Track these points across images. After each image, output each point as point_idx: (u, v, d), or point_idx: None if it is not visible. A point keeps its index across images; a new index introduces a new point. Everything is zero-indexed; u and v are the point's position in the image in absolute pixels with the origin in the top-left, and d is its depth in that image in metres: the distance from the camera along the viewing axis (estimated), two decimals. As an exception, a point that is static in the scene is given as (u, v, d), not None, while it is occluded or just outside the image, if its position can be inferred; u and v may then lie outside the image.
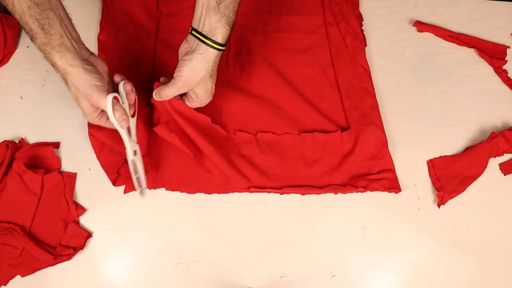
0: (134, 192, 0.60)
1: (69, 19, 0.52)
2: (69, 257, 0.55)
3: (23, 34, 0.70)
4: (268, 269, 0.57)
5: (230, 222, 0.59)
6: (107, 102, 0.51)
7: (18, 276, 0.54)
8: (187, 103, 0.59)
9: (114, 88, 0.56)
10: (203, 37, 0.53)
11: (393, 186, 0.62)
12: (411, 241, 0.60)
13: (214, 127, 0.63)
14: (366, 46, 0.74)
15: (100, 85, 0.52)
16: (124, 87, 0.55)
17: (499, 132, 0.67)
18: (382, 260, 0.59)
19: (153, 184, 0.60)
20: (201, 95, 0.58)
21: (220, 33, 0.52)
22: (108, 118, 0.54)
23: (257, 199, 0.61)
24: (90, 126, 0.62)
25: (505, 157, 0.67)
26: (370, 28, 0.76)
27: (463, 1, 0.81)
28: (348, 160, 0.64)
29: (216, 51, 0.53)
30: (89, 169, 0.61)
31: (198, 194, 0.60)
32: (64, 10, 0.51)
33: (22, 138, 0.62)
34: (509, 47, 0.76)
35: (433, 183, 0.64)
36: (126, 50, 0.69)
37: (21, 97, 0.66)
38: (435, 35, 0.77)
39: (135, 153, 0.56)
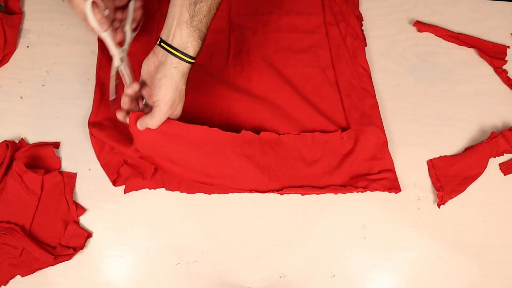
0: (134, 192, 0.60)
1: None
2: (69, 257, 0.55)
3: (23, 34, 0.70)
4: (268, 269, 0.57)
5: (230, 222, 0.59)
6: (87, 6, 0.53)
7: (18, 276, 0.54)
8: (150, 118, 0.53)
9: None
10: (174, 50, 0.50)
11: (393, 186, 0.62)
12: (411, 241, 0.60)
13: (213, 132, 0.60)
14: (366, 46, 0.74)
15: None
16: (135, 3, 0.59)
17: (499, 132, 0.67)
18: (382, 260, 0.59)
19: (153, 184, 0.60)
20: (179, 109, 0.55)
21: (192, 47, 0.50)
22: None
23: (257, 199, 0.61)
24: (91, 126, 0.62)
25: (505, 157, 0.67)
26: (370, 28, 0.76)
27: (463, 1, 0.81)
28: (348, 160, 0.64)
29: (188, 65, 0.51)
30: (89, 169, 0.61)
31: (198, 194, 0.60)
32: None
33: (22, 138, 0.62)
34: (509, 47, 0.76)
35: (433, 183, 0.64)
36: (126, 50, 0.69)
37: (21, 97, 0.66)
38: (435, 35, 0.77)
39: (121, 60, 0.57)
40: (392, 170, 0.64)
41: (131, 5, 0.60)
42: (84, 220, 0.58)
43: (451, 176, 0.64)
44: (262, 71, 0.70)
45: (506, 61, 0.74)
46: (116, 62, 0.57)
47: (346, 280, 0.57)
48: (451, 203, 0.62)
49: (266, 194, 0.61)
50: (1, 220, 0.56)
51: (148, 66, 0.55)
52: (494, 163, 0.66)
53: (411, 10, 0.79)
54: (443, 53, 0.75)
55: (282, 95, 0.68)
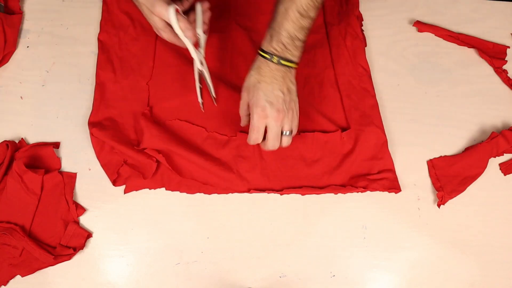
0: (134, 192, 0.60)
1: None
2: (69, 257, 0.55)
3: (23, 34, 0.70)
4: (268, 269, 0.57)
5: (230, 222, 0.59)
6: (170, 13, 0.53)
7: (18, 276, 0.54)
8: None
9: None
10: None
11: (393, 186, 0.62)
12: (411, 241, 0.60)
13: (210, 136, 0.63)
14: (366, 46, 0.74)
15: None
16: (203, 5, 0.60)
17: (499, 132, 0.67)
18: (382, 260, 0.59)
19: (153, 184, 0.60)
20: None
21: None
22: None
23: (257, 199, 0.61)
24: (91, 126, 0.62)
25: (505, 157, 0.67)
26: (370, 28, 0.76)
27: (463, 1, 0.81)
28: (348, 160, 0.64)
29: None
30: (89, 169, 0.61)
31: (198, 194, 0.60)
32: None
33: (22, 138, 0.62)
34: (509, 47, 0.76)
35: (433, 183, 0.64)
36: (126, 50, 0.69)
37: (21, 97, 0.66)
38: (435, 35, 0.77)
39: (201, 63, 0.58)
40: (392, 170, 0.64)
41: (199, 8, 0.60)
42: (84, 220, 0.58)
43: (451, 176, 0.64)
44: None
45: (506, 61, 0.74)
46: (198, 65, 0.58)
47: (346, 280, 0.57)
48: (451, 203, 0.62)
49: (266, 194, 0.61)
50: (1, 220, 0.56)
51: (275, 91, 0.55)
52: (494, 163, 0.66)
53: (411, 10, 0.79)
54: (443, 53, 0.75)
55: (282, 95, 0.68)
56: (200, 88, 0.60)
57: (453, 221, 0.62)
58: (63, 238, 0.56)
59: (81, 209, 0.58)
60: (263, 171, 0.62)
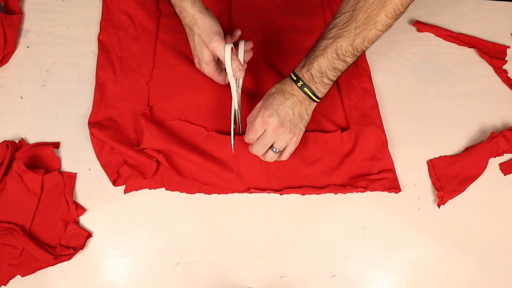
0: (134, 192, 0.60)
1: None
2: (69, 257, 0.55)
3: (23, 34, 0.70)
4: (268, 269, 0.57)
5: (230, 222, 0.59)
6: (226, 50, 0.53)
7: (18, 276, 0.54)
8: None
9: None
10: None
11: (393, 186, 0.62)
12: (411, 241, 0.60)
13: (210, 135, 0.63)
14: (366, 46, 0.74)
15: (221, 32, 0.56)
16: (246, 44, 0.60)
17: (499, 132, 0.67)
18: (382, 260, 0.59)
19: (153, 184, 0.60)
20: None
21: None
22: (221, 71, 0.59)
23: (257, 199, 0.61)
24: (91, 126, 0.62)
25: (505, 157, 0.67)
26: (370, 28, 0.76)
27: (463, 1, 0.81)
28: (348, 160, 0.64)
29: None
30: (89, 169, 0.61)
31: (198, 194, 0.60)
32: None
33: (22, 138, 0.62)
34: (509, 47, 0.76)
35: (433, 183, 0.64)
36: (126, 50, 0.69)
37: (21, 97, 0.66)
38: (435, 35, 0.77)
39: (239, 104, 0.59)
40: (392, 170, 0.64)
41: (241, 46, 0.60)
42: (84, 220, 0.58)
43: (451, 176, 0.64)
44: (262, 71, 0.70)
45: (506, 61, 0.74)
46: (236, 105, 0.58)
47: (346, 280, 0.57)
48: (451, 203, 0.62)
49: (266, 194, 0.61)
50: (1, 220, 0.56)
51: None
52: (494, 163, 0.66)
53: (411, 10, 0.79)
54: (443, 53, 0.75)
55: (282, 95, 0.68)
56: (234, 129, 0.60)
57: (453, 221, 0.62)
58: (63, 238, 0.56)
59: (81, 209, 0.58)
60: (262, 171, 0.62)
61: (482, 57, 0.75)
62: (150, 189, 0.60)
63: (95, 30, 0.71)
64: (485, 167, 0.64)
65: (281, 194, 0.61)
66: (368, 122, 0.66)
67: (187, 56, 0.68)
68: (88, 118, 0.63)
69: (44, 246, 0.55)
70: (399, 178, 0.63)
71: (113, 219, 0.58)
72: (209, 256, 0.57)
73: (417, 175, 0.64)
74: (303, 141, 0.64)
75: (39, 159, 0.60)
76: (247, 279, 0.56)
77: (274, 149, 0.57)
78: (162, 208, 0.59)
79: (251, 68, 0.70)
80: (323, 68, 0.54)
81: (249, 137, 0.57)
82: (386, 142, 0.65)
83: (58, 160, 0.61)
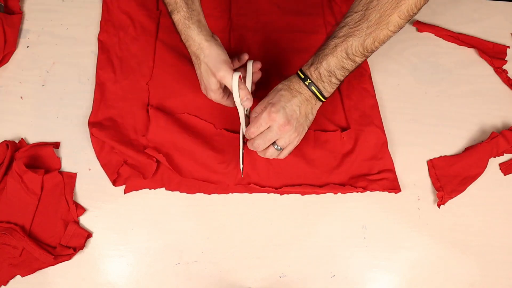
0: (134, 192, 0.60)
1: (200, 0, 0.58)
2: (69, 257, 0.55)
3: (23, 34, 0.70)
4: (268, 269, 0.57)
5: (230, 222, 0.59)
6: (233, 79, 0.53)
7: (18, 276, 0.54)
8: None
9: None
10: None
11: (393, 186, 0.62)
12: (411, 241, 0.60)
13: (219, 133, 0.63)
14: (366, 46, 0.74)
15: (228, 60, 0.55)
16: (254, 65, 0.59)
17: (499, 132, 0.67)
18: (382, 260, 0.59)
19: (153, 184, 0.60)
20: None
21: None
22: (228, 96, 0.58)
23: (257, 199, 0.61)
24: (91, 126, 0.62)
25: (505, 157, 0.67)
26: (370, 28, 0.76)
27: (463, 1, 0.81)
28: (348, 160, 0.64)
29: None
30: (89, 169, 0.61)
31: (198, 194, 0.60)
32: None
33: (22, 138, 0.62)
34: (509, 47, 0.76)
35: (433, 183, 0.64)
36: (126, 50, 0.69)
37: (21, 97, 0.66)
38: (435, 35, 0.77)
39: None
40: (392, 170, 0.64)
41: (250, 67, 0.59)
42: (84, 220, 0.58)
43: (451, 176, 0.64)
44: (262, 71, 0.70)
45: (506, 61, 0.74)
46: (244, 131, 0.58)
47: (346, 280, 0.57)
48: (451, 203, 0.62)
49: (266, 194, 0.61)
50: (1, 220, 0.56)
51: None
52: (494, 163, 0.66)
53: (411, 10, 0.79)
54: (443, 53, 0.75)
55: (282, 95, 0.68)
56: (243, 154, 0.60)
57: (453, 221, 0.62)
58: (63, 238, 0.56)
59: (81, 209, 0.58)
60: (263, 167, 0.62)
61: (482, 57, 0.75)
62: (150, 189, 0.60)
63: (95, 30, 0.71)
64: (485, 167, 0.64)
65: (281, 194, 0.61)
66: (368, 122, 0.66)
67: (187, 56, 0.68)
68: (88, 118, 0.63)
69: (44, 246, 0.55)
70: (399, 178, 0.63)
71: (113, 219, 0.58)
72: (209, 256, 0.57)
73: (417, 175, 0.64)
74: (304, 139, 0.64)
75: (39, 159, 0.60)
76: (247, 279, 0.56)
77: (276, 146, 0.57)
78: (162, 208, 0.59)
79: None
80: (332, 67, 0.54)
81: (251, 131, 0.56)
82: (386, 142, 0.65)
83: (58, 160, 0.61)
